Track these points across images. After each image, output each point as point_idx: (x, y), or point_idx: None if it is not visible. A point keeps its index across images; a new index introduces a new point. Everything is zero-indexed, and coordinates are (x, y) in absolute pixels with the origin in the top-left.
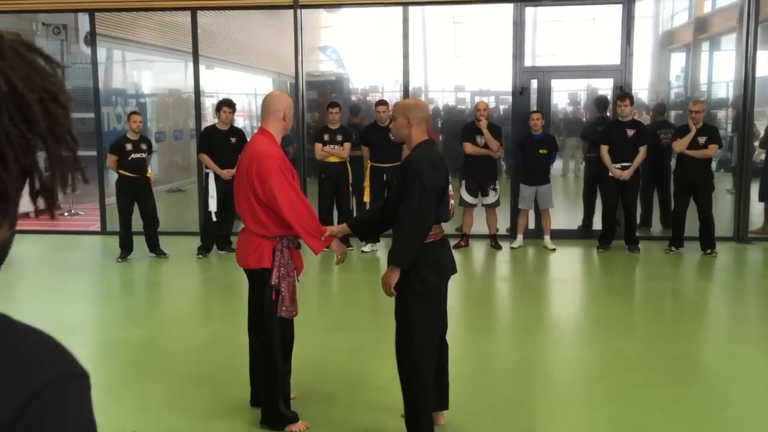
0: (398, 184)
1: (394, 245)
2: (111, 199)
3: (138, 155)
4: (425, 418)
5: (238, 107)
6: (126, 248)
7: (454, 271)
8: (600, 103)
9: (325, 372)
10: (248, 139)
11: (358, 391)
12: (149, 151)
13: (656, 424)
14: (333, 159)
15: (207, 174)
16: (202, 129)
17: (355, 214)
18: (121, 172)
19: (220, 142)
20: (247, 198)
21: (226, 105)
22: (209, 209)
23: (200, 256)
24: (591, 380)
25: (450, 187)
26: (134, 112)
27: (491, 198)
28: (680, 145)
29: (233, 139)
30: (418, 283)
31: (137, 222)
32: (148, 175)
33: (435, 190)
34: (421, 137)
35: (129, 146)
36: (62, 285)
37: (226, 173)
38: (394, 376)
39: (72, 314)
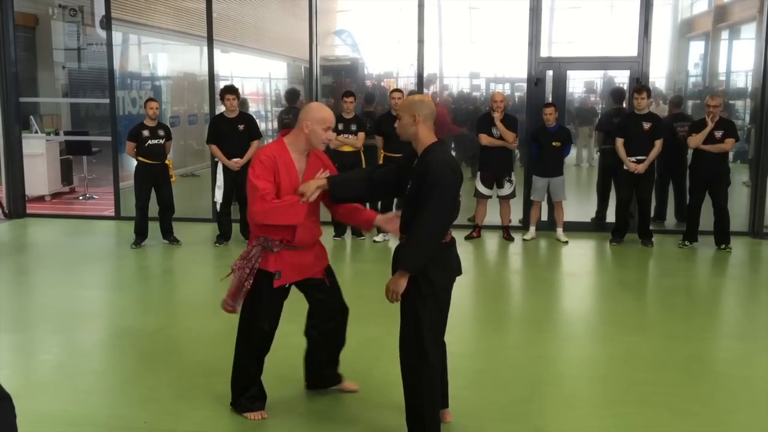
0: (415, 188)
1: (406, 251)
2: (125, 184)
3: (155, 141)
4: (431, 418)
5: (251, 91)
6: (141, 235)
7: (459, 272)
8: (616, 94)
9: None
10: (257, 125)
11: (367, 386)
12: (168, 137)
13: (666, 426)
14: (347, 148)
15: (216, 163)
16: (212, 117)
17: (368, 206)
18: (140, 158)
19: (228, 131)
20: None
21: (228, 92)
22: (215, 199)
23: (218, 244)
24: (601, 379)
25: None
26: (151, 99)
27: (506, 190)
28: (695, 141)
29: (241, 127)
30: (426, 285)
31: (152, 208)
32: (167, 161)
33: (453, 198)
34: (430, 137)
35: (146, 132)
36: (76, 271)
37: (234, 164)
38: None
39: (85, 301)
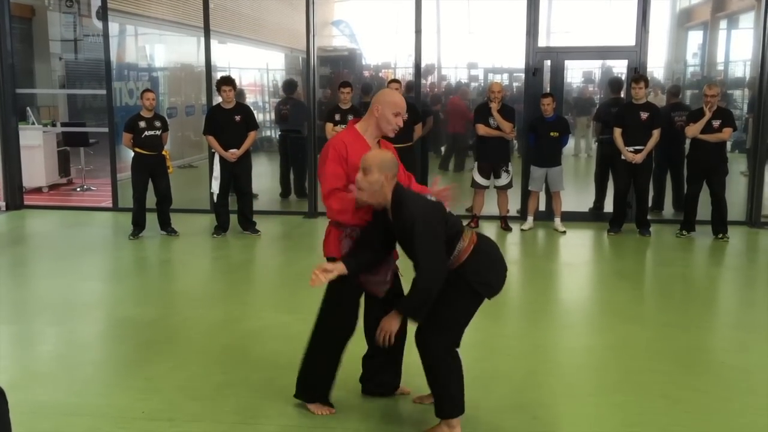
0: (406, 240)
1: (408, 297)
2: (123, 175)
3: (152, 132)
4: (459, 400)
5: (249, 82)
6: (138, 226)
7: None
8: (614, 84)
9: (347, 354)
10: (254, 116)
11: None
12: (164, 128)
13: (663, 414)
14: None
15: (214, 154)
16: (209, 108)
17: None
18: (136, 149)
19: (225, 122)
20: None
21: (225, 84)
22: (211, 190)
23: (215, 235)
24: (598, 368)
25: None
26: (147, 90)
27: (504, 180)
28: (692, 131)
29: (238, 118)
30: (484, 289)
31: (150, 199)
32: (164, 152)
33: (445, 221)
34: (391, 188)
35: (142, 124)
36: (74, 262)
37: (230, 155)
38: (417, 361)
39: (83, 292)
